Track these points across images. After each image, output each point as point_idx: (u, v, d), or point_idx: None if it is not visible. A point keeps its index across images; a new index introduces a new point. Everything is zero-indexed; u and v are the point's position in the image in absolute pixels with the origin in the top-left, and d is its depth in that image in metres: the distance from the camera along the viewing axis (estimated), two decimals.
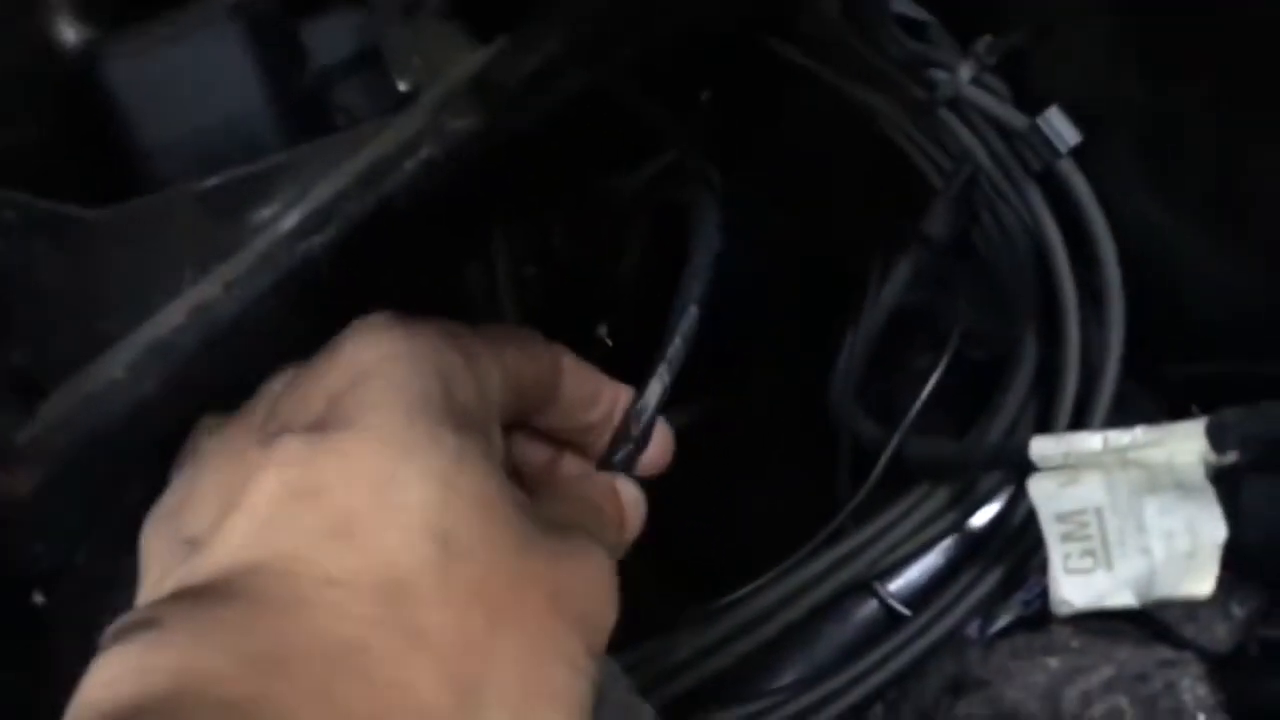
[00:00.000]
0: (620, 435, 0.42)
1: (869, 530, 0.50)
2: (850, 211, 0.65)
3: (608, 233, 0.67)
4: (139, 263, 0.35)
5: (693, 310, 0.51)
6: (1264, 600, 0.42)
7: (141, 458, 0.41)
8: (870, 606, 0.50)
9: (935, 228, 0.59)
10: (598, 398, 0.41)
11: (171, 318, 0.34)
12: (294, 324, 0.39)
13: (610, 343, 0.68)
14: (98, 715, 0.25)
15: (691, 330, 0.50)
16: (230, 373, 0.37)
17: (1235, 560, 0.39)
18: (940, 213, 0.58)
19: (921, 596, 0.50)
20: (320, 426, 0.30)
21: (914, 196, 0.59)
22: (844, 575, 0.49)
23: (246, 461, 0.30)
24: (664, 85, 0.54)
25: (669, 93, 0.55)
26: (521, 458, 0.41)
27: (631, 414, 0.43)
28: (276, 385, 0.35)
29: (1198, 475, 0.39)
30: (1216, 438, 0.38)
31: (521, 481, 0.39)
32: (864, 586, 0.50)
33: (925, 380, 0.60)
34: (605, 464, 0.41)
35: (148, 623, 0.27)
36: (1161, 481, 0.40)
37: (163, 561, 0.31)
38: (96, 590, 0.45)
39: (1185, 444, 0.39)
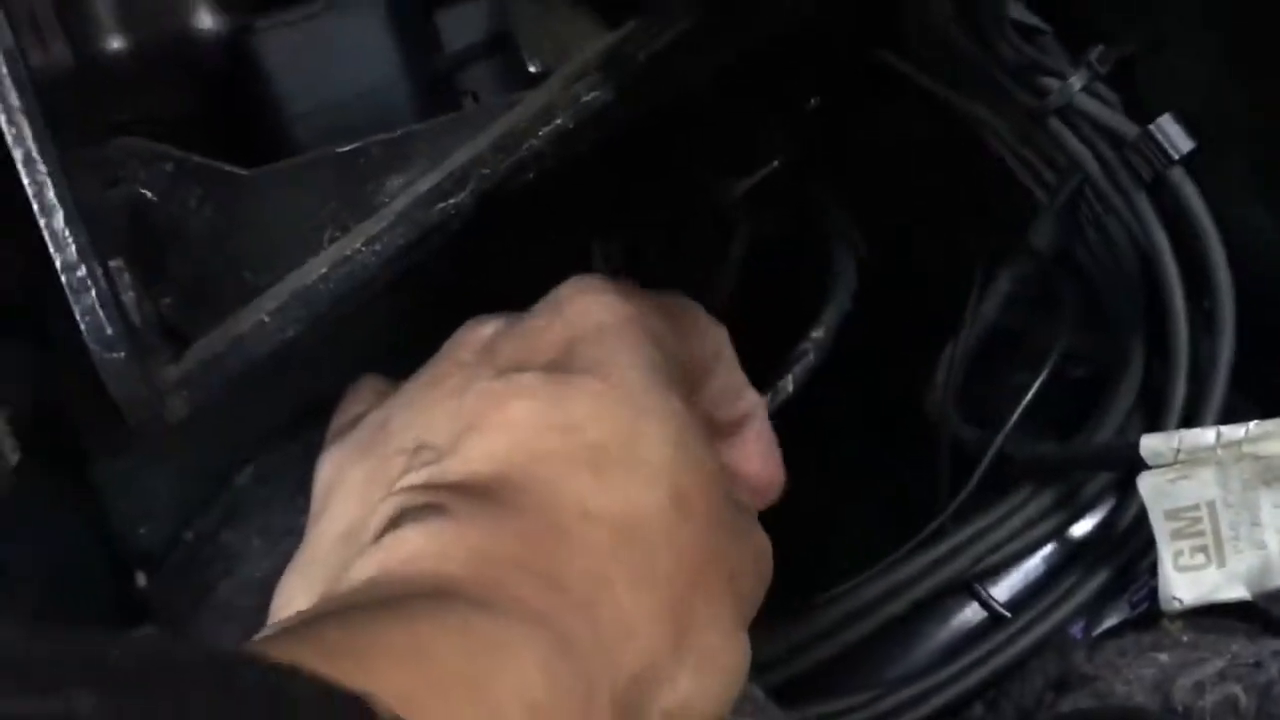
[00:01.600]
0: None
1: (970, 530, 0.50)
2: (946, 223, 0.65)
3: (703, 251, 0.68)
4: (283, 220, 0.37)
5: (810, 357, 0.53)
6: None
7: (273, 414, 0.42)
8: (971, 607, 0.50)
9: (1041, 240, 0.59)
10: (740, 397, 0.40)
11: (315, 268, 0.36)
12: (428, 285, 0.40)
13: None
14: (400, 583, 0.27)
15: (804, 375, 0.52)
16: (368, 326, 0.39)
17: None
18: (1047, 224, 0.58)
19: (1024, 599, 0.49)
20: (558, 369, 0.32)
21: (1014, 211, 0.60)
22: (945, 573, 0.49)
23: (478, 389, 0.31)
24: (775, 88, 0.55)
25: (779, 96, 0.57)
26: None
27: None
28: (486, 329, 0.35)
29: None
30: None
31: None
32: (965, 587, 0.50)
33: (1023, 393, 0.60)
34: None
35: (438, 508, 0.28)
36: (1278, 473, 0.40)
37: (374, 476, 0.32)
38: (200, 570, 0.46)
39: None
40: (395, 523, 0.28)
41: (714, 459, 0.32)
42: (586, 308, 0.33)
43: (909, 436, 0.60)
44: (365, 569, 0.28)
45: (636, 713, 0.27)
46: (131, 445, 0.37)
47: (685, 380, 0.34)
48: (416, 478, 0.30)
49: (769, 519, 0.42)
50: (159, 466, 0.46)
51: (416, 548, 0.28)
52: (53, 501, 0.44)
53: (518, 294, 0.39)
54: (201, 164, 0.36)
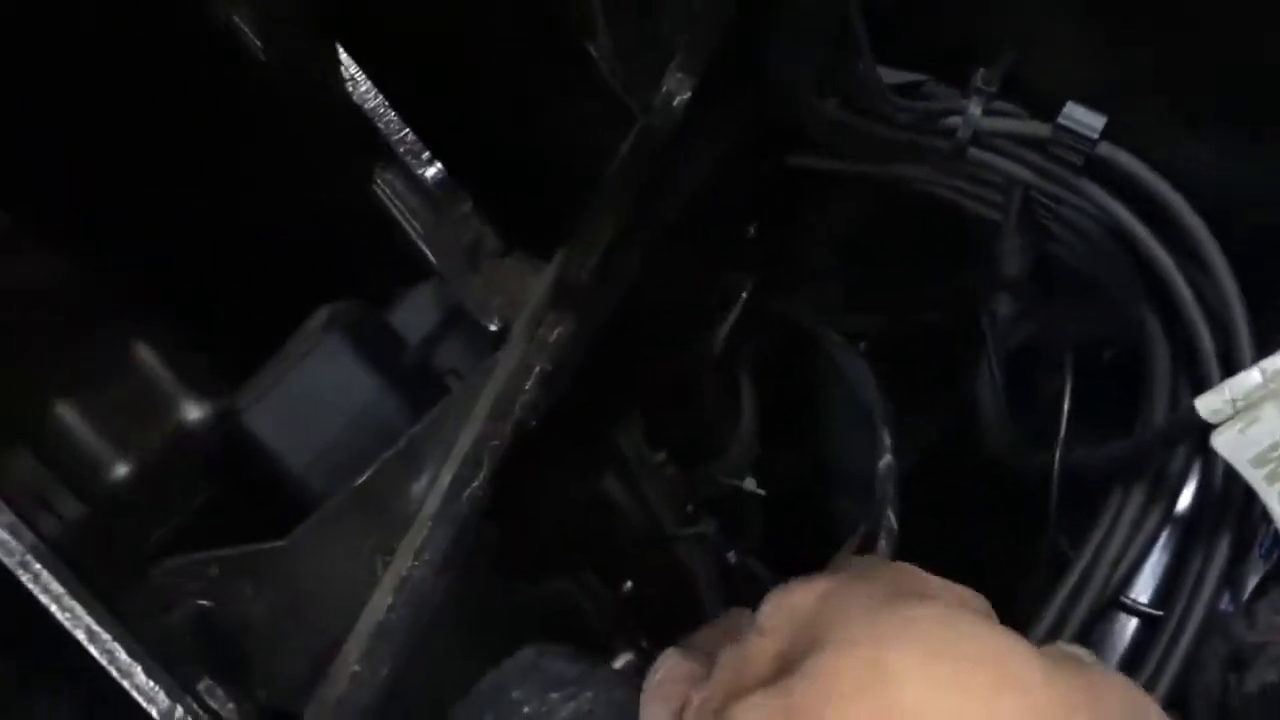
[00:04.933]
0: None
1: (1088, 551, 0.49)
2: (929, 282, 0.66)
3: (718, 410, 0.69)
4: (334, 568, 0.38)
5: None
6: None
7: None
8: (1122, 619, 0.49)
9: (1011, 266, 0.60)
10: None
11: (382, 601, 0.36)
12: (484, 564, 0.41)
13: (763, 492, 0.69)
14: None
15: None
16: (449, 635, 0.39)
17: None
18: (1010, 248, 0.59)
19: (1166, 591, 0.49)
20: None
21: (985, 241, 0.61)
22: (1089, 596, 0.49)
23: None
24: (715, 231, 0.57)
25: (721, 239, 0.58)
26: None
27: None
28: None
29: None
30: None
31: None
32: (1113, 602, 0.49)
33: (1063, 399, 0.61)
34: None
35: None
36: None
37: None
38: None
39: None
40: None
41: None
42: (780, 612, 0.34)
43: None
44: None
45: None
46: None
47: None
48: None
49: None
50: None
51: None
52: None
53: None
54: (241, 554, 0.37)
